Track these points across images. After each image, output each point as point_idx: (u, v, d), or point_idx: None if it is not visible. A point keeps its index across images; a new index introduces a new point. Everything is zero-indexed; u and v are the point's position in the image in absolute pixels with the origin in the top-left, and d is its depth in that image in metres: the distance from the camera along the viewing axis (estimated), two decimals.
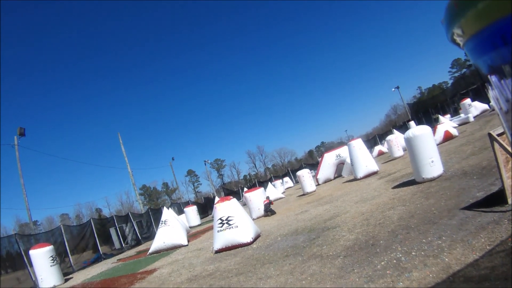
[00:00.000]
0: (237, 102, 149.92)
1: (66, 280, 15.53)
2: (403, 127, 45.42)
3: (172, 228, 16.00)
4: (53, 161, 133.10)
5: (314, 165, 50.48)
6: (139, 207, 41.64)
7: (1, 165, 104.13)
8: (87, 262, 20.97)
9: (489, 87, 1.68)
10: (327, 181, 26.18)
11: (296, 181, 46.18)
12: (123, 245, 25.39)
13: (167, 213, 16.70)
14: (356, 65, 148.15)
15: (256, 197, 18.19)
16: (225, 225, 10.62)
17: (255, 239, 10.54)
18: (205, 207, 43.95)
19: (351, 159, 19.10)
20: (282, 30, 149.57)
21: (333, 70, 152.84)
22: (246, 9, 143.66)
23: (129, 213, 29.06)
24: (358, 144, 18.54)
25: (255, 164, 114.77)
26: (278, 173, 73.43)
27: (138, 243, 26.83)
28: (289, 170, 59.75)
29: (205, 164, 68.99)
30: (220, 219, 10.79)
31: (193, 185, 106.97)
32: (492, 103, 1.83)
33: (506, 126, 1.74)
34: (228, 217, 10.71)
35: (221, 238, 10.57)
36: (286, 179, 48.07)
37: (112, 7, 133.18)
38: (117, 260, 19.25)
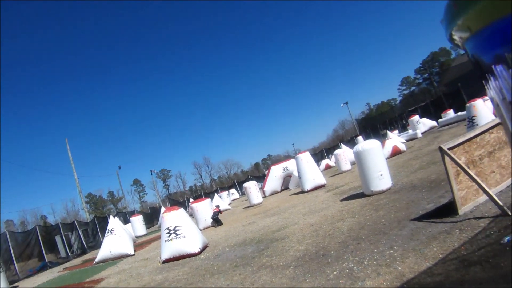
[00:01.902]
0: (184, 112, 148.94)
1: None
2: (351, 142, 46.98)
3: (119, 237, 15.90)
4: None
5: (260, 178, 50.78)
6: (85, 215, 40.85)
7: None
8: (32, 270, 20.64)
9: (492, 78, 1.67)
10: (274, 193, 26.55)
11: (243, 192, 46.75)
12: (69, 254, 24.94)
13: (114, 222, 16.60)
14: (306, 79, 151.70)
15: (203, 208, 18.36)
16: (173, 235, 10.53)
17: (203, 250, 10.52)
18: (151, 217, 43.77)
19: (298, 172, 19.32)
20: (241, 34, 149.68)
21: (282, 83, 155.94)
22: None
23: (75, 221, 28.58)
24: (306, 157, 18.83)
25: (201, 175, 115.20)
26: (224, 185, 74.43)
27: (83, 252, 26.46)
28: (235, 182, 59.85)
29: (151, 173, 68.31)
30: (168, 228, 10.71)
31: (139, 195, 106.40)
32: (493, 94, 1.80)
33: (508, 116, 1.74)
34: (176, 227, 10.65)
35: (169, 248, 10.47)
36: (232, 190, 48.43)
37: None
38: (63, 269, 19.04)
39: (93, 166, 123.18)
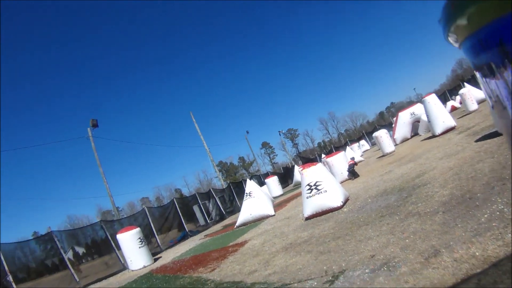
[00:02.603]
0: (305, 69, 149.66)
1: (155, 260, 16.11)
2: (472, 81, 42.78)
3: (258, 200, 16.38)
4: (128, 147, 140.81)
5: (387, 126, 49.80)
6: (219, 183, 43.20)
7: (80, 157, 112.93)
8: (173, 241, 22.14)
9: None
10: (404, 140, 26.24)
11: (373, 143, 45.84)
12: (208, 221, 26.58)
13: (251, 185, 17.09)
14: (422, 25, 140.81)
15: (338, 162, 18.34)
16: (314, 190, 10.71)
17: (344, 203, 10.59)
18: (285, 177, 44.59)
19: (427, 116, 18.89)
20: None
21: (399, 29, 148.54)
22: None
23: (211, 189, 30.17)
24: (433, 100, 18.33)
25: (328, 130, 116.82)
26: (351, 137, 73.59)
27: (222, 218, 27.95)
28: (364, 133, 59.35)
29: (279, 134, 70.08)
30: (308, 185, 10.88)
31: (269, 157, 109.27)
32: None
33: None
34: (316, 182, 10.79)
35: (311, 204, 10.71)
36: (362, 142, 47.92)
37: None
38: (204, 236, 20.17)
39: (220, 135, 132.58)
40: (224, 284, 6.59)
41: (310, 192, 10.78)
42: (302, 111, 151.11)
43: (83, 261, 24.40)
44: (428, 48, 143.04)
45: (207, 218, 27.01)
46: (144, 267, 14.74)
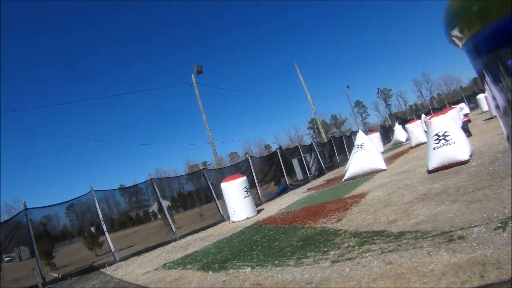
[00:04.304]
0: (400, 29, 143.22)
1: (258, 212, 15.85)
2: None
3: (369, 152, 16.09)
4: (223, 99, 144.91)
5: (475, 95, 48.16)
6: (309, 141, 43.40)
7: (183, 104, 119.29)
8: (271, 194, 21.96)
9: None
10: None
11: (472, 107, 44.20)
12: (309, 175, 26.56)
13: (362, 137, 16.72)
14: None
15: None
16: (442, 141, 10.37)
17: (470, 157, 10.23)
18: (383, 135, 44.00)
19: None
20: None
21: None
22: None
23: (312, 143, 30.24)
24: None
25: (421, 93, 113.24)
26: (442, 102, 71.36)
27: (321, 173, 27.88)
28: (464, 96, 58.27)
29: (378, 92, 68.24)
30: (437, 134, 10.54)
31: (361, 116, 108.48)
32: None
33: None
34: (445, 132, 10.44)
35: (437, 155, 10.38)
36: (462, 105, 45.81)
37: None
38: (307, 189, 19.94)
39: (316, 90, 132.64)
40: (363, 234, 6.28)
41: (438, 143, 10.46)
42: (396, 72, 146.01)
43: (174, 211, 24.79)
44: None
45: (307, 172, 26.98)
46: (248, 218, 14.53)
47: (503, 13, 1.27)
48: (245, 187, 15.21)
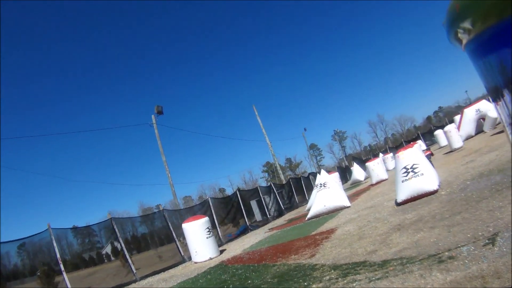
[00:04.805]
0: (352, 71, 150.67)
1: (221, 252, 15.47)
2: None
3: (333, 190, 16.20)
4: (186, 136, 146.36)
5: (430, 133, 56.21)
6: (263, 184, 44.01)
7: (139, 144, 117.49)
8: (231, 235, 21.80)
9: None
10: (468, 137, 26.51)
11: (428, 144, 48.87)
12: (268, 216, 26.51)
13: (325, 176, 16.92)
14: None
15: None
16: (410, 173, 10.56)
17: (439, 187, 10.42)
18: (341, 175, 45.21)
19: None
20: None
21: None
22: None
23: (271, 184, 30.54)
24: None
25: (376, 134, 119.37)
26: (397, 142, 75.84)
27: (280, 214, 27.90)
28: (420, 134, 63.69)
29: (334, 134, 70.22)
30: (405, 167, 10.74)
31: (316, 159, 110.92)
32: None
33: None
34: (413, 164, 10.65)
35: (406, 187, 10.51)
36: (419, 142, 49.21)
37: None
38: (269, 229, 19.83)
39: (273, 134, 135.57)
40: (343, 266, 6.01)
41: (406, 175, 10.63)
42: (351, 114, 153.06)
43: (132, 253, 24.26)
44: None
45: (267, 213, 26.94)
46: (211, 258, 14.26)
47: (505, 14, 1.25)
48: (208, 227, 15.03)
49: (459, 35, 1.66)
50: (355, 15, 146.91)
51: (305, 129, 67.21)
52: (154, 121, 29.04)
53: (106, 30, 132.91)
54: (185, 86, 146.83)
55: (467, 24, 1.48)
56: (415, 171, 10.53)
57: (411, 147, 11.47)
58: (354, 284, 4.84)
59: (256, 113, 44.62)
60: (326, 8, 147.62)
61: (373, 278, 4.80)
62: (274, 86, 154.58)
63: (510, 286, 3.25)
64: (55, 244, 13.33)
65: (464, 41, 1.68)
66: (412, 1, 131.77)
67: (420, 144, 46.31)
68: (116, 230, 15.80)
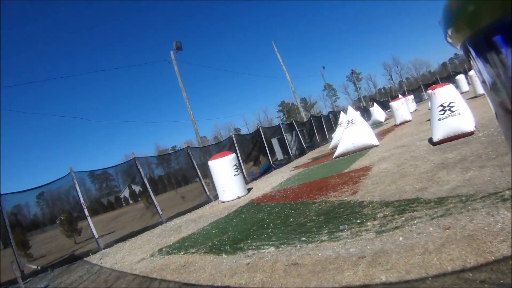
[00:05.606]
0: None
1: (248, 190, 15.35)
2: None
3: (361, 127, 15.96)
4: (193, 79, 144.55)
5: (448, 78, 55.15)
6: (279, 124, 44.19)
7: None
8: (254, 174, 21.71)
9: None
10: None
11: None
12: (291, 155, 26.50)
13: (353, 112, 16.47)
14: None
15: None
16: (447, 111, 10.35)
17: (476, 129, 10.22)
18: (361, 114, 45.21)
19: None
20: None
21: None
22: None
23: (293, 122, 30.08)
24: None
25: (391, 76, 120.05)
26: (412, 86, 74.57)
27: (302, 152, 27.92)
28: (438, 78, 64.05)
29: (351, 73, 69.38)
30: (441, 105, 10.50)
31: (331, 99, 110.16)
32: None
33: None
34: (450, 103, 10.42)
35: (443, 126, 10.32)
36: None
37: None
38: (294, 167, 19.71)
39: (289, 71, 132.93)
40: (395, 203, 5.97)
41: (443, 114, 10.42)
42: (366, 55, 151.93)
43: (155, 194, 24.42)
44: None
45: (289, 151, 26.92)
46: (239, 197, 14.09)
47: (502, 13, 1.19)
48: (235, 165, 14.86)
49: (456, 33, 1.61)
50: None
51: (323, 67, 65.67)
52: (173, 57, 28.72)
53: None
54: (201, 22, 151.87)
55: (463, 23, 1.45)
56: (452, 109, 10.32)
57: (447, 85, 11.14)
58: (415, 222, 4.79)
59: (276, 49, 43.94)
60: None
61: (434, 216, 4.74)
62: (291, 24, 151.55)
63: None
64: (78, 189, 13.17)
65: (461, 40, 1.64)
66: None
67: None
68: (141, 170, 15.65)
